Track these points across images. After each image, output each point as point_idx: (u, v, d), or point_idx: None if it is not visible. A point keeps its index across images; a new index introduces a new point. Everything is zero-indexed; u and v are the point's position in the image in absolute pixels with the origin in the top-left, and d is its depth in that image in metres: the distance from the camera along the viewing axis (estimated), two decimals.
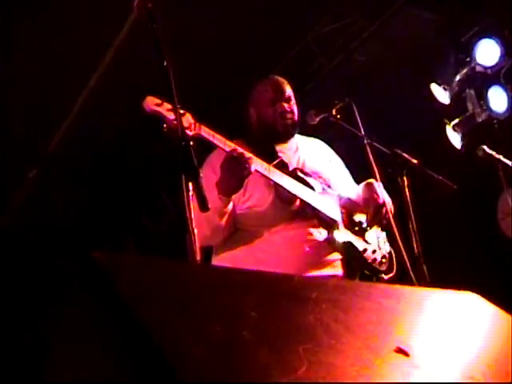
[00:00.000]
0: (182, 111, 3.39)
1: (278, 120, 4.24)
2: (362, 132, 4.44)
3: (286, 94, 4.32)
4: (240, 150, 3.75)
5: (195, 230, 2.84)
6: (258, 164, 3.83)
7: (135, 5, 3.23)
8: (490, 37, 7.06)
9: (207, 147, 3.85)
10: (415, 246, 4.14)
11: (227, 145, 3.79)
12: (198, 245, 3.12)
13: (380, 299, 1.80)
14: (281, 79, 4.45)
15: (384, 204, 4.18)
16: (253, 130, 4.35)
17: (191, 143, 3.02)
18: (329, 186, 4.22)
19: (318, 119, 4.51)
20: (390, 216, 4.19)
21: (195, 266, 2.27)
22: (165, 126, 3.47)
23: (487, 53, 7.10)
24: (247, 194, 4.02)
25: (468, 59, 7.30)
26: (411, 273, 3.97)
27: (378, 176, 4.30)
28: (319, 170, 4.28)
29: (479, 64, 7.20)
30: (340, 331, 1.51)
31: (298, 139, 4.43)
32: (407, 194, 4.29)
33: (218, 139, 3.78)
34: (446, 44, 7.47)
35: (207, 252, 4.04)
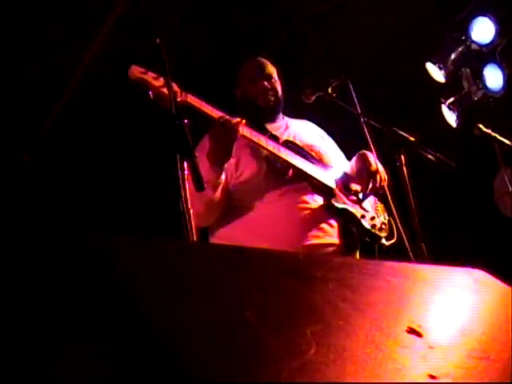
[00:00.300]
0: (164, 81, 3.40)
1: (260, 97, 4.28)
2: (359, 110, 4.41)
3: (266, 72, 4.37)
4: (227, 116, 3.72)
5: (191, 210, 2.80)
6: (246, 131, 3.83)
7: None
8: (484, 15, 6.98)
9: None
10: (413, 223, 4.11)
11: (215, 112, 3.78)
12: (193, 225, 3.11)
13: (388, 277, 1.73)
14: (262, 59, 4.51)
15: (378, 171, 4.18)
16: (240, 110, 4.33)
17: (185, 121, 2.97)
18: (321, 159, 4.21)
19: (313, 98, 4.51)
20: (385, 184, 4.18)
21: (192, 244, 2.21)
22: (151, 93, 3.47)
23: (482, 31, 7.02)
24: (240, 168, 4.01)
25: (463, 37, 7.23)
26: (408, 248, 3.96)
27: (375, 154, 4.28)
28: (311, 144, 4.27)
29: (474, 42, 7.13)
30: (349, 311, 1.44)
31: (288, 120, 4.43)
32: (405, 171, 4.26)
33: (205, 106, 3.78)
34: (441, 23, 7.40)
35: (203, 233, 4.01)
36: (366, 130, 4.35)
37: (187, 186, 2.86)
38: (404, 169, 4.27)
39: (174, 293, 1.29)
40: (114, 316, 1.21)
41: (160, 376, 1.10)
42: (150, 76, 3.55)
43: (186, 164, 2.88)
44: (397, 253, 4.12)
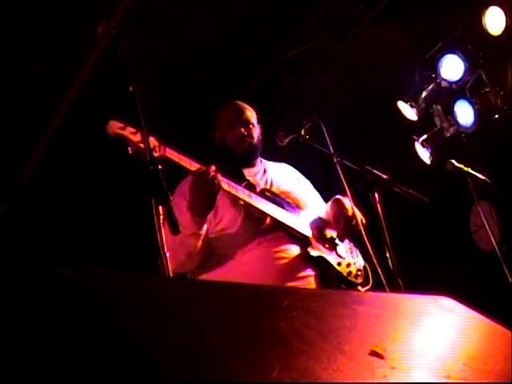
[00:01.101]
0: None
1: (236, 144, 4.28)
2: (332, 150, 4.46)
3: (244, 118, 4.36)
4: (205, 168, 3.76)
5: (167, 254, 2.84)
6: (224, 183, 3.85)
7: (99, 32, 3.24)
8: (453, 52, 7.13)
9: (176, 175, 3.85)
10: (389, 260, 4.15)
11: (193, 165, 3.80)
12: (171, 269, 3.16)
13: (353, 305, 1.81)
14: (241, 104, 4.51)
15: (354, 216, 4.21)
16: (218, 154, 4.38)
17: (160, 167, 3.03)
18: (298, 206, 4.24)
19: (287, 140, 4.53)
20: (361, 228, 4.21)
21: (163, 278, 2.27)
22: (130, 148, 3.49)
23: (451, 68, 7.17)
24: (218, 216, 4.02)
25: (433, 75, 7.37)
26: (385, 285, 3.99)
27: (349, 193, 4.32)
28: (288, 190, 4.30)
29: (444, 79, 7.27)
30: (312, 337, 1.51)
31: (266, 163, 4.46)
32: (379, 209, 4.31)
33: (183, 160, 3.80)
34: (411, 61, 7.54)
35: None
36: (339, 170, 4.39)
37: (163, 230, 2.89)
38: (378, 206, 4.32)
39: (145, 321, 1.35)
40: (88, 342, 1.27)
41: None
42: (128, 131, 3.54)
43: (161, 208, 2.91)
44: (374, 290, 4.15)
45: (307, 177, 4.69)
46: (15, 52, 5.97)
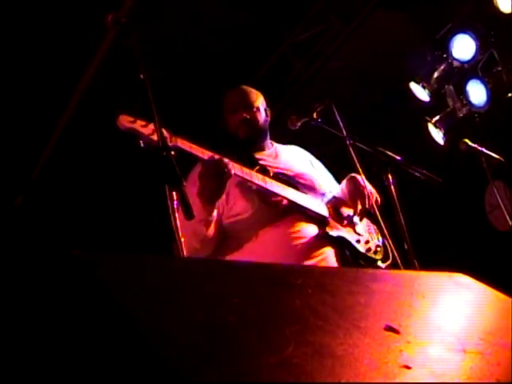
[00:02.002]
0: (153, 127, 3.40)
1: (239, 128, 4.26)
2: (344, 132, 4.46)
3: (246, 102, 4.34)
4: (217, 155, 3.76)
5: (182, 239, 2.85)
6: (237, 169, 3.85)
7: (108, 21, 3.24)
8: (464, 32, 7.11)
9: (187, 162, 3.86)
10: (405, 242, 4.15)
11: (205, 153, 3.80)
12: (185, 254, 3.17)
13: (367, 283, 1.81)
14: (246, 88, 4.49)
15: (370, 193, 4.21)
16: (226, 138, 4.37)
17: (172, 152, 3.03)
18: (313, 187, 4.23)
19: (299, 124, 4.53)
20: (375, 207, 4.21)
21: (177, 259, 2.28)
22: (141, 142, 3.49)
23: (463, 48, 7.14)
24: (230, 202, 4.01)
25: (444, 55, 7.34)
26: (401, 265, 3.99)
27: (362, 175, 4.32)
28: (301, 172, 4.29)
29: (456, 59, 7.24)
30: (328, 313, 1.51)
31: (277, 146, 4.45)
32: (393, 190, 4.31)
33: (195, 149, 3.79)
34: (422, 42, 7.51)
35: None
36: (352, 152, 4.38)
37: (177, 216, 2.90)
38: (392, 188, 4.32)
39: (160, 301, 1.36)
40: (103, 322, 1.28)
41: (148, 374, 1.17)
42: (138, 124, 3.53)
43: (174, 194, 2.92)
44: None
45: (320, 159, 4.68)
46: (26, 45, 5.99)
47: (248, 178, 3.92)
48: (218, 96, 4.68)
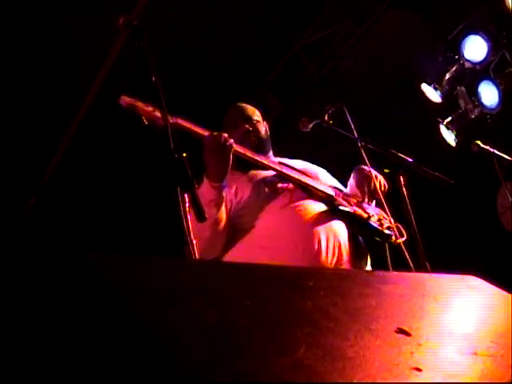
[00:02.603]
0: (153, 107, 3.50)
1: (243, 140, 4.25)
2: (356, 134, 4.46)
3: (246, 115, 4.40)
4: (217, 132, 3.81)
5: (194, 242, 2.85)
6: (240, 148, 3.90)
7: (120, 23, 3.26)
8: (476, 33, 7.09)
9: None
10: (416, 243, 4.15)
11: (206, 131, 3.84)
12: (199, 254, 3.19)
13: (378, 285, 1.81)
14: (242, 104, 4.55)
15: (377, 178, 4.22)
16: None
17: (184, 154, 3.04)
18: (317, 178, 4.25)
19: (310, 126, 4.55)
20: (382, 193, 4.21)
21: (187, 261, 2.28)
22: (144, 118, 3.53)
23: (474, 49, 7.13)
24: (239, 194, 4.03)
25: (456, 57, 7.33)
26: (412, 268, 3.97)
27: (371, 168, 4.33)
28: (305, 168, 4.31)
29: (468, 60, 7.23)
30: (338, 315, 1.52)
31: (280, 159, 4.45)
32: (405, 192, 4.31)
33: (196, 127, 3.85)
34: (434, 43, 7.50)
35: None
36: (364, 154, 4.39)
37: (189, 217, 2.91)
38: (404, 189, 4.32)
39: (171, 303, 1.37)
40: (113, 324, 1.29)
41: (158, 377, 1.17)
42: (140, 104, 3.63)
43: (186, 196, 2.92)
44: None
45: (331, 162, 4.69)
46: (37, 48, 6.01)
47: (251, 156, 3.97)
48: (231, 98, 4.70)
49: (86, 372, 1.29)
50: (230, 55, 6.93)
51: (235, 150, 3.86)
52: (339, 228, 3.96)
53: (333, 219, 3.98)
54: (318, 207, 4.00)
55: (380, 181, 4.27)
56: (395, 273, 1.98)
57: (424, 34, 7.40)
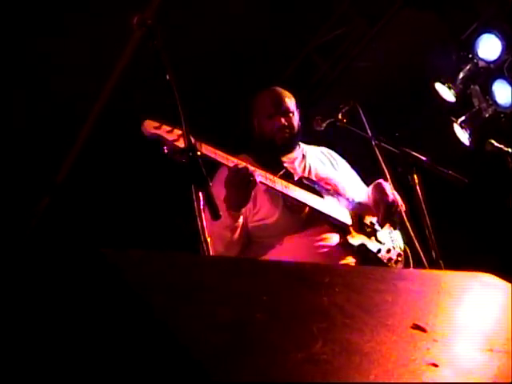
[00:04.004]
0: (179, 132, 3.38)
1: (276, 134, 4.26)
2: (369, 133, 4.46)
3: (283, 108, 4.32)
4: (242, 163, 3.74)
5: (208, 239, 2.86)
6: (261, 176, 3.83)
7: (134, 23, 3.26)
8: (490, 32, 7.06)
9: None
10: (430, 243, 4.14)
11: (230, 160, 3.77)
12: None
13: (394, 281, 1.82)
14: (280, 91, 4.47)
15: (394, 201, 4.20)
16: (257, 141, 4.36)
17: (198, 153, 3.04)
18: (337, 192, 4.23)
19: (324, 124, 4.54)
20: (403, 213, 4.20)
21: (204, 257, 2.29)
22: (165, 148, 3.46)
23: (489, 48, 7.09)
24: (257, 207, 4.03)
25: (470, 56, 7.30)
26: (427, 266, 3.98)
27: (388, 176, 4.31)
28: (326, 177, 4.29)
29: (482, 59, 7.20)
30: (355, 311, 1.53)
31: (304, 148, 4.45)
32: (419, 191, 4.30)
33: (220, 156, 3.75)
34: (447, 42, 7.48)
35: None
36: (377, 153, 4.38)
37: (204, 216, 2.91)
38: (418, 188, 4.31)
39: (187, 298, 1.37)
40: (130, 319, 1.29)
41: (176, 371, 1.18)
42: (163, 130, 3.48)
43: (201, 194, 2.93)
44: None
45: (346, 160, 4.68)
46: (50, 46, 6.02)
47: (271, 185, 3.92)
48: (243, 96, 4.69)
49: (103, 366, 1.30)
50: (243, 56, 6.92)
51: (260, 182, 3.81)
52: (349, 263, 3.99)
53: (344, 254, 3.99)
54: (331, 239, 4.00)
55: (397, 204, 4.24)
56: (411, 270, 1.98)
57: (437, 33, 7.38)
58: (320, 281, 1.66)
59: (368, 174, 4.59)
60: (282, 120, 4.26)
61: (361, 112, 4.49)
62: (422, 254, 4.10)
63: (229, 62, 6.87)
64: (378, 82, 7.42)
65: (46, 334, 1.39)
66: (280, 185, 3.94)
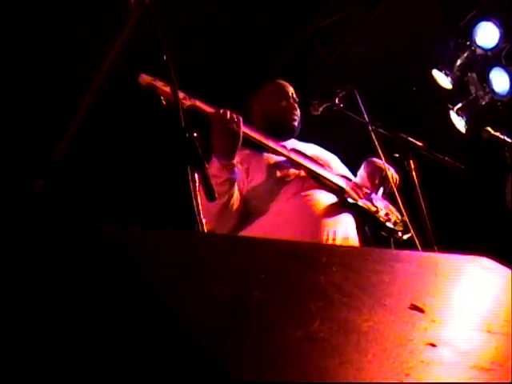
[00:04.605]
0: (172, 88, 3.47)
1: (287, 115, 4.33)
2: (366, 118, 4.46)
3: (292, 93, 4.44)
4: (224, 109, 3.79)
5: (203, 220, 2.85)
6: (247, 128, 3.88)
7: (132, 2, 3.25)
8: (488, 19, 7.05)
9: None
10: (425, 226, 4.15)
11: (212, 108, 3.83)
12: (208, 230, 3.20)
13: (391, 262, 1.81)
14: (286, 83, 4.57)
15: (388, 171, 4.23)
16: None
17: (195, 134, 3.03)
18: (329, 167, 4.26)
19: (321, 109, 4.54)
20: (394, 186, 4.21)
21: (202, 234, 2.29)
22: (162, 98, 3.51)
23: (486, 35, 7.09)
24: (250, 175, 4.04)
25: (468, 43, 7.30)
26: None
27: (384, 161, 4.32)
28: (319, 155, 4.31)
29: (479, 47, 7.20)
30: (352, 290, 1.52)
31: (295, 141, 4.46)
32: (415, 176, 4.30)
33: (211, 106, 3.83)
34: (445, 29, 7.47)
35: None
36: (374, 138, 4.38)
37: (199, 196, 2.90)
38: (414, 174, 4.32)
39: (184, 275, 1.36)
40: (128, 295, 1.29)
41: (173, 348, 1.17)
42: (159, 83, 3.60)
43: (196, 175, 2.92)
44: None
45: (342, 145, 4.70)
46: (46, 25, 6.00)
47: (265, 142, 3.95)
48: (242, 82, 4.69)
49: (103, 347, 1.29)
50: (240, 40, 6.90)
51: (244, 132, 3.83)
52: (347, 221, 3.98)
53: (341, 212, 4.00)
54: (328, 199, 4.01)
55: (392, 174, 4.27)
56: (408, 251, 1.97)
57: (436, 19, 7.36)
58: (317, 260, 1.65)
59: (364, 159, 4.59)
60: (295, 104, 4.38)
61: (358, 97, 4.49)
62: (416, 239, 4.11)
63: (226, 48, 6.84)
64: (375, 67, 7.40)
65: (45, 311, 1.38)
66: (274, 144, 4.04)
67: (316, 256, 1.67)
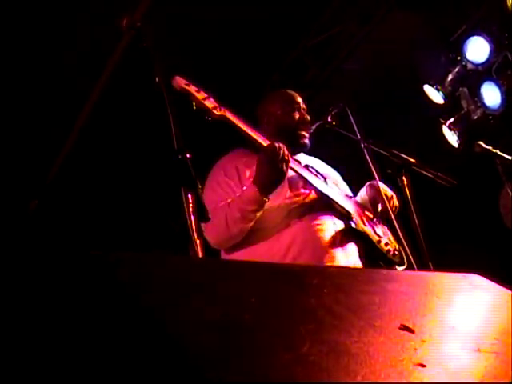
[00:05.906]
0: (205, 95, 3.50)
1: (300, 126, 4.32)
2: (358, 136, 4.47)
3: (304, 107, 4.45)
4: (281, 144, 3.74)
5: (197, 242, 2.85)
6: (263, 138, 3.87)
7: (123, 25, 3.26)
8: (478, 34, 7.10)
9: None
10: (419, 243, 4.16)
11: (259, 135, 3.82)
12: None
13: (382, 283, 1.82)
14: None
15: (392, 197, 4.23)
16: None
17: (188, 155, 3.04)
18: (337, 185, 4.27)
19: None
20: (393, 213, 4.21)
21: (194, 258, 2.30)
22: (194, 103, 3.52)
23: (477, 50, 7.14)
24: None
25: (458, 58, 7.34)
26: (416, 268, 3.99)
27: (377, 178, 4.33)
28: (328, 172, 4.32)
29: (470, 61, 7.24)
30: (343, 312, 1.53)
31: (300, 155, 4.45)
32: (408, 192, 4.32)
33: (242, 123, 3.80)
34: (436, 45, 7.51)
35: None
36: (366, 155, 4.39)
37: (192, 218, 2.91)
38: (407, 190, 4.33)
39: (175, 299, 1.38)
40: (122, 320, 1.30)
41: (164, 372, 1.19)
42: (192, 88, 3.59)
43: (190, 197, 2.93)
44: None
45: (335, 163, 4.70)
46: (42, 48, 6.02)
47: (294, 167, 3.93)
48: (234, 99, 4.70)
49: (96, 369, 1.30)
50: (232, 58, 6.92)
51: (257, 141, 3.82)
52: (351, 250, 3.98)
53: (348, 241, 3.98)
54: (336, 226, 3.99)
55: (393, 201, 4.27)
56: (399, 271, 1.99)
57: (426, 34, 7.40)
58: (309, 282, 1.67)
59: (357, 177, 4.60)
60: (308, 117, 4.38)
61: (350, 114, 4.50)
62: (410, 255, 4.12)
63: (219, 64, 6.87)
64: (367, 83, 7.43)
65: (35, 337, 1.39)
66: (294, 164, 3.96)
67: (307, 278, 1.68)
